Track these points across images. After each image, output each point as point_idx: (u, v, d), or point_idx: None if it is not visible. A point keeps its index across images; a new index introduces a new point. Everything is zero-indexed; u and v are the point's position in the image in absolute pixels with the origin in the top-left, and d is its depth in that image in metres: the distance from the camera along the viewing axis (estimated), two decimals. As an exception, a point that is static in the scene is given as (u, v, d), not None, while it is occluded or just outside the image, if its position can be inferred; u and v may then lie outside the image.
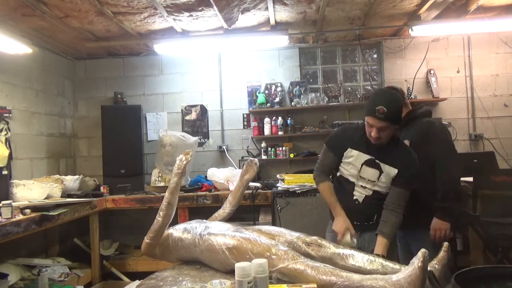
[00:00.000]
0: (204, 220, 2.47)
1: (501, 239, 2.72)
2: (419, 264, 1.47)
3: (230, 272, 1.87)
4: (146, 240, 2.18)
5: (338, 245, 1.99)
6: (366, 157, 2.17)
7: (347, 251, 1.90)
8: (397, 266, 1.77)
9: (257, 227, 2.30)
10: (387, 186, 2.17)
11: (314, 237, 2.03)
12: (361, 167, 2.17)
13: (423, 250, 1.51)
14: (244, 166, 2.77)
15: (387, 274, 1.65)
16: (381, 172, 2.16)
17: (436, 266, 1.70)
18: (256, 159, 2.76)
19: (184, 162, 2.19)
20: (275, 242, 1.93)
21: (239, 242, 1.92)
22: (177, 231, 2.19)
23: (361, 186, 2.20)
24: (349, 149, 2.20)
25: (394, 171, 2.14)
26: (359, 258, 1.85)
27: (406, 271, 1.52)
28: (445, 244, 1.75)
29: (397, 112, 2.05)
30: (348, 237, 2.07)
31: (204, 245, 2.02)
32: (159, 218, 2.16)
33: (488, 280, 1.27)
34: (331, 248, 1.93)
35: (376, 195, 2.18)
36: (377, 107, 2.00)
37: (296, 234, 2.06)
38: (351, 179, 2.21)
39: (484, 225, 2.74)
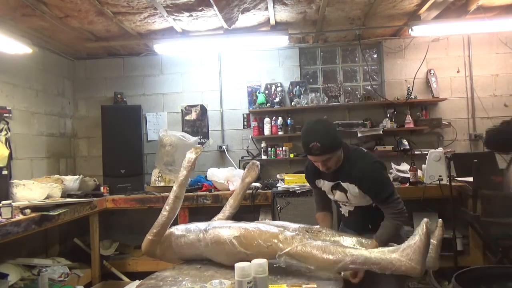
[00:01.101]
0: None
1: (501, 239, 2.72)
2: (424, 230, 1.62)
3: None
4: (149, 237, 2.17)
5: (340, 232, 2.10)
6: (331, 184, 2.19)
7: (348, 238, 2.01)
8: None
9: (260, 221, 2.33)
10: (364, 200, 2.11)
11: (316, 226, 2.15)
12: (332, 192, 2.22)
13: (425, 219, 1.68)
14: (246, 168, 2.78)
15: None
16: (346, 191, 2.13)
17: (433, 241, 1.82)
18: (257, 162, 2.77)
19: (194, 156, 2.25)
20: (282, 229, 1.97)
21: (246, 231, 1.95)
22: (179, 230, 2.20)
23: (342, 203, 2.25)
24: (317, 181, 2.29)
25: (354, 188, 2.08)
26: (360, 242, 1.98)
27: (410, 241, 1.65)
28: (440, 221, 1.87)
29: (331, 142, 2.00)
30: None
31: (209, 238, 2.03)
32: (164, 212, 2.16)
33: (489, 280, 1.27)
34: (333, 235, 2.05)
35: (358, 209, 2.17)
36: (310, 145, 1.96)
37: (298, 225, 2.17)
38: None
39: (484, 225, 2.74)
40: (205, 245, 2.06)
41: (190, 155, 2.27)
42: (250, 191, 3.67)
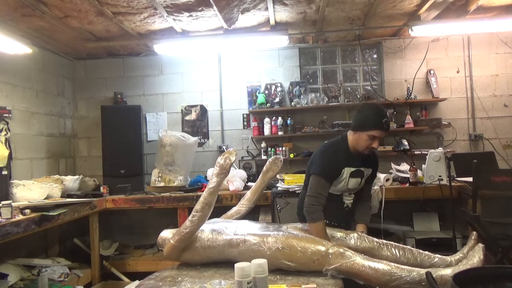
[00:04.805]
0: (226, 220, 2.45)
1: (501, 239, 2.72)
2: (481, 257, 1.79)
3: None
4: (175, 243, 2.09)
5: (373, 238, 2.17)
6: (351, 170, 2.31)
7: (382, 242, 2.12)
8: (424, 254, 2.05)
9: (291, 224, 2.30)
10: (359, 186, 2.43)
11: (354, 233, 2.24)
12: (348, 181, 2.32)
13: (481, 245, 1.86)
14: (268, 162, 2.73)
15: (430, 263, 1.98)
16: (362, 177, 2.36)
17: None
18: (281, 157, 2.77)
19: (229, 162, 2.05)
20: (327, 241, 2.00)
21: (290, 243, 1.94)
22: (204, 232, 2.12)
23: (348, 194, 2.40)
24: (345, 168, 2.32)
25: (370, 171, 2.42)
26: (393, 250, 2.07)
27: (468, 261, 1.81)
28: (481, 245, 1.94)
29: None
30: None
31: (244, 246, 1.99)
32: (194, 219, 2.04)
33: (486, 281, 1.27)
34: (368, 242, 2.12)
35: (355, 196, 2.44)
36: (384, 120, 2.18)
37: (337, 231, 2.22)
38: (338, 193, 2.38)
39: (484, 225, 2.74)
40: (239, 252, 2.00)
41: (224, 162, 2.04)
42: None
